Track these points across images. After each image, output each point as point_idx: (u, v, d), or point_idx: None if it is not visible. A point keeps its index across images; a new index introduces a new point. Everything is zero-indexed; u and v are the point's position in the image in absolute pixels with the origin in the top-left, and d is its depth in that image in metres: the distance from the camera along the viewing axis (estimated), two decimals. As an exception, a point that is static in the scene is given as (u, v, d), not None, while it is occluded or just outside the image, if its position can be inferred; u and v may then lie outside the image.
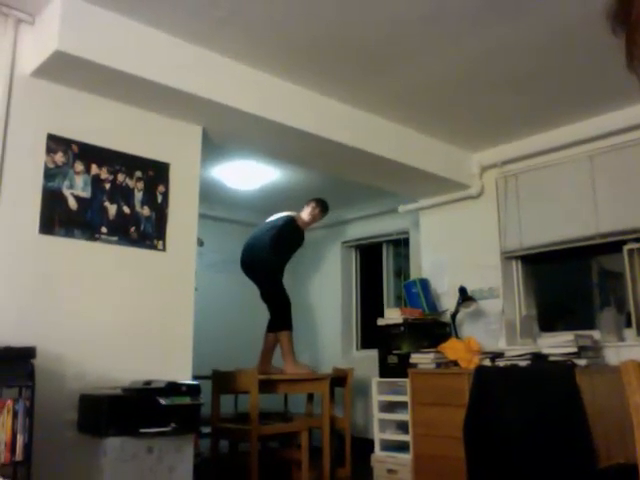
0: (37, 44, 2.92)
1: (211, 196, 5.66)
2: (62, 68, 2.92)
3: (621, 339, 3.97)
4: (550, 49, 3.32)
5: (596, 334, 3.98)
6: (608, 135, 4.12)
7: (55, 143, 3.02)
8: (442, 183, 4.75)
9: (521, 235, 4.55)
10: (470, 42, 3.23)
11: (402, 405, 4.20)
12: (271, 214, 5.03)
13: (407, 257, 5.95)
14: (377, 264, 6.49)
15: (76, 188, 3.08)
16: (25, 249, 2.87)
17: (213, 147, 3.95)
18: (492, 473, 3.45)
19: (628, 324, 4.01)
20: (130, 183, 3.29)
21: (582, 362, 3.53)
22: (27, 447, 2.35)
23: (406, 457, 4.04)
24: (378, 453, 4.26)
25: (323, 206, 5.03)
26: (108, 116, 3.24)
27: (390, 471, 4.10)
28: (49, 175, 2.98)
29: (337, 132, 3.89)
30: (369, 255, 6.65)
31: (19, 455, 2.34)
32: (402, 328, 4.46)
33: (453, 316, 4.61)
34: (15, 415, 2.35)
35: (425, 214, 5.24)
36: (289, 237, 4.88)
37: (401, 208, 5.45)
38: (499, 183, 4.76)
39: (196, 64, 3.25)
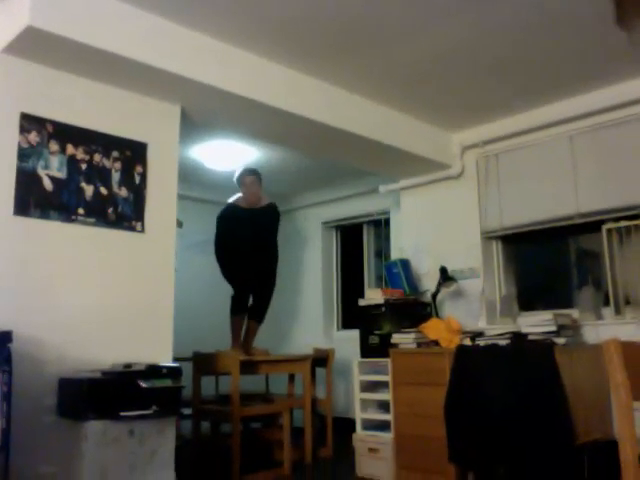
0: (8, 19, 2.82)
1: (190, 177, 5.59)
2: (35, 45, 2.83)
3: (599, 318, 4.02)
4: (530, 30, 3.30)
5: (575, 313, 4.03)
6: (588, 115, 4.13)
7: (29, 122, 2.94)
8: (423, 163, 4.74)
9: (501, 215, 4.57)
10: (451, 23, 3.19)
11: (383, 385, 4.22)
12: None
13: (387, 237, 5.96)
14: (358, 244, 6.48)
15: (51, 168, 3.00)
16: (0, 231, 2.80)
17: (192, 127, 3.89)
18: (472, 451, 3.49)
19: (606, 303, 4.06)
20: (107, 163, 3.22)
21: (561, 341, 3.57)
22: (5, 433, 2.32)
23: (387, 436, 4.07)
24: (359, 432, 4.29)
25: (241, 174, 4.75)
26: (84, 95, 3.16)
27: (372, 450, 4.13)
28: (23, 155, 2.91)
29: (318, 111, 3.85)
30: (349, 235, 6.64)
31: (-3, 441, 2.30)
32: (383, 308, 4.47)
33: (434, 296, 4.63)
34: (-8, 400, 2.31)
35: (406, 194, 5.23)
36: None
37: (382, 188, 5.43)
38: (480, 163, 4.76)
39: (174, 42, 3.17)
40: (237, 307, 4.71)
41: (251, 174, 4.73)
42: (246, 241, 4.69)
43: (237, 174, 4.77)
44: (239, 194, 4.80)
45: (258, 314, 4.75)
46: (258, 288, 4.76)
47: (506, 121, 4.56)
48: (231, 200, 4.86)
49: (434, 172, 4.92)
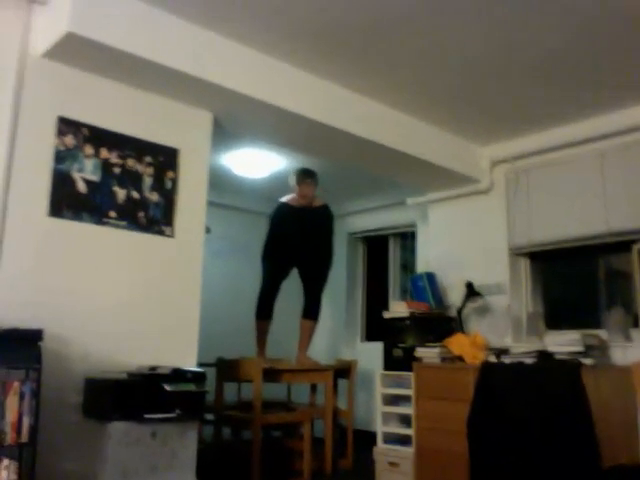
0: (49, 25, 2.89)
1: (219, 183, 5.64)
2: (73, 50, 2.89)
3: (628, 339, 3.94)
4: (565, 45, 3.28)
5: (603, 334, 3.96)
6: (619, 133, 4.08)
7: (66, 126, 3.00)
8: (451, 176, 4.72)
9: (530, 231, 4.52)
10: (483, 34, 3.19)
11: (405, 398, 4.19)
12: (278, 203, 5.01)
13: (413, 250, 5.94)
14: (383, 256, 6.47)
15: (85, 172, 3.06)
16: (34, 231, 2.86)
17: (222, 134, 3.93)
18: (495, 469, 3.45)
19: (635, 324, 3.98)
20: (140, 168, 3.27)
21: (588, 361, 3.51)
22: (33, 429, 2.35)
23: (408, 450, 4.04)
24: (380, 445, 4.26)
25: (296, 176, 4.75)
26: (119, 100, 3.22)
27: (392, 464, 4.10)
28: (59, 158, 2.97)
29: (347, 122, 3.86)
30: (375, 247, 6.63)
31: (25, 437, 2.34)
32: (408, 321, 4.45)
33: (459, 311, 4.60)
34: (22, 397, 2.34)
35: (433, 207, 5.21)
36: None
37: (409, 201, 5.42)
38: (509, 178, 4.72)
39: (208, 49, 3.22)
40: (262, 309, 4.74)
41: (308, 175, 4.73)
42: (295, 238, 4.77)
43: (293, 174, 4.78)
44: (292, 194, 4.83)
45: (311, 311, 4.80)
46: (309, 284, 4.82)
47: (537, 137, 4.53)
48: (284, 199, 4.91)
49: (463, 186, 4.89)
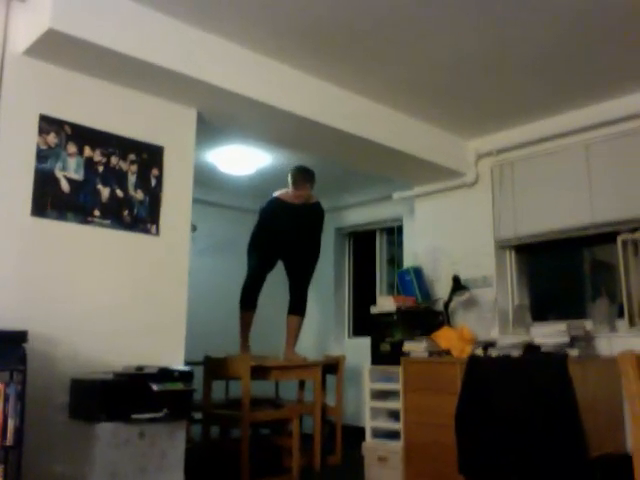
0: (29, 22, 2.85)
1: (204, 180, 5.61)
2: (55, 47, 2.85)
3: (613, 329, 3.98)
4: (548, 39, 3.29)
5: (588, 324, 3.99)
6: (604, 124, 4.10)
7: (47, 124, 2.97)
8: (437, 170, 4.73)
9: (515, 224, 4.55)
10: (468, 29, 3.19)
11: (394, 393, 4.20)
12: (264, 200, 4.99)
13: (400, 245, 5.95)
14: (370, 251, 6.47)
15: (69, 170, 3.03)
16: (16, 231, 2.82)
17: (207, 131, 3.90)
18: (482, 461, 3.47)
19: (620, 315, 4.02)
20: (124, 166, 3.24)
21: (574, 352, 3.54)
22: (18, 431, 2.32)
23: (397, 445, 4.05)
24: (369, 440, 4.27)
25: (294, 177, 4.72)
26: (102, 97, 3.19)
27: (381, 459, 4.11)
28: (41, 156, 2.93)
29: (333, 117, 3.85)
30: (362, 242, 6.64)
31: (10, 440, 2.30)
32: (395, 316, 4.46)
33: (446, 305, 4.61)
34: (6, 399, 2.31)
35: (420, 201, 5.22)
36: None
37: (395, 195, 5.43)
38: (494, 171, 4.74)
39: (192, 45, 3.19)
40: (246, 299, 4.74)
41: (306, 178, 4.69)
42: (286, 234, 4.79)
43: (291, 171, 4.73)
44: (285, 189, 4.81)
45: (298, 307, 4.83)
46: (295, 280, 4.83)
47: (522, 129, 4.54)
48: (277, 194, 4.89)
49: (449, 180, 4.91)
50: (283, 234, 4.80)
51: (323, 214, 5.02)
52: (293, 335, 4.79)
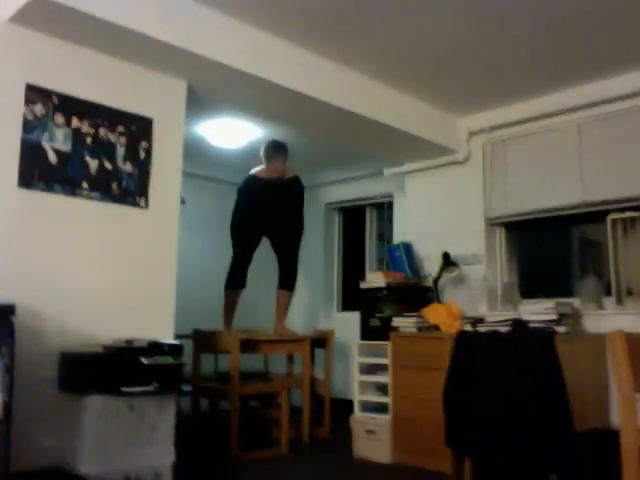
0: (15, -12, 2.78)
1: (194, 153, 5.55)
2: (42, 14, 2.78)
3: (600, 308, 4.01)
4: (543, 17, 3.25)
5: (576, 302, 4.02)
6: (597, 104, 4.09)
7: (34, 94, 2.91)
8: (429, 147, 4.71)
9: (506, 202, 4.55)
10: (460, 5, 3.14)
11: (382, 368, 4.23)
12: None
13: (390, 221, 5.94)
14: (360, 227, 6.47)
15: (56, 141, 2.98)
16: (3, 203, 2.79)
17: (197, 103, 3.85)
18: (469, 436, 3.51)
19: (608, 293, 4.05)
20: (112, 138, 3.20)
21: (562, 329, 3.58)
22: (7, 405, 2.32)
23: (385, 418, 4.09)
24: (358, 414, 4.31)
25: (266, 151, 4.71)
26: (90, 67, 3.12)
27: (369, 432, 4.16)
28: (28, 127, 2.88)
29: (326, 92, 3.81)
30: (352, 218, 6.62)
31: (-1, 413, 2.31)
32: (384, 292, 4.47)
33: (435, 281, 4.63)
34: (-5, 373, 2.31)
35: (411, 178, 5.20)
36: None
37: (386, 171, 5.40)
38: (486, 149, 4.73)
39: (181, 15, 3.13)
40: (234, 278, 4.71)
41: (277, 151, 4.69)
42: (266, 211, 4.75)
43: (263, 148, 4.72)
44: (261, 166, 4.78)
45: (287, 281, 4.82)
46: (282, 255, 4.83)
47: (514, 107, 4.52)
48: (253, 171, 4.85)
49: (440, 157, 4.89)
50: (263, 211, 4.76)
51: (302, 187, 4.95)
52: (283, 310, 4.80)
